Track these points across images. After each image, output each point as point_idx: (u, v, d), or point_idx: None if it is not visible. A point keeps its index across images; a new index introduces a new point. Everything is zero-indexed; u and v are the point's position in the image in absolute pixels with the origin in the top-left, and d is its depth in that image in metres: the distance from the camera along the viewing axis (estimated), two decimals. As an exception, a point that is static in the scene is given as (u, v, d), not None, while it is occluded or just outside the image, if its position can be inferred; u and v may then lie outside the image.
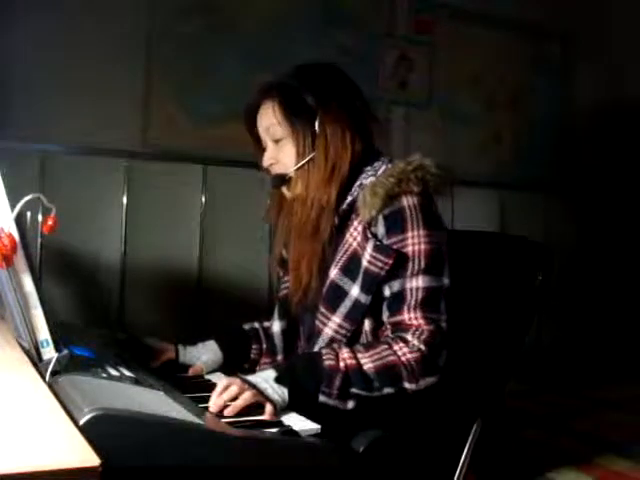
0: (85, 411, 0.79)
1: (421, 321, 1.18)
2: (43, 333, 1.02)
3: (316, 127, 1.31)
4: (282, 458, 0.95)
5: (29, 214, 1.09)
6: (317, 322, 1.30)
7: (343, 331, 1.25)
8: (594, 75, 3.49)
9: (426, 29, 3.08)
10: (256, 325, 1.53)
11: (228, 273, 2.60)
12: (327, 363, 1.15)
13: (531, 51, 3.38)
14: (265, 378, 1.15)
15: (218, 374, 1.42)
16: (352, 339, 1.25)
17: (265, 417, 1.08)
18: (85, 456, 0.67)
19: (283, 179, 1.35)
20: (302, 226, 1.33)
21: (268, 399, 1.11)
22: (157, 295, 2.46)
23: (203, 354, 1.44)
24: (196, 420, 0.93)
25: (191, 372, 1.41)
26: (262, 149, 1.39)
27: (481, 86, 3.22)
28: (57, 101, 2.27)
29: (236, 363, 1.45)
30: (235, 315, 1.61)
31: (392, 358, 1.16)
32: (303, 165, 1.32)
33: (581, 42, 3.46)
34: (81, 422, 0.78)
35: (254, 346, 1.49)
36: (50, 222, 1.08)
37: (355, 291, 1.25)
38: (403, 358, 1.15)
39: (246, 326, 1.53)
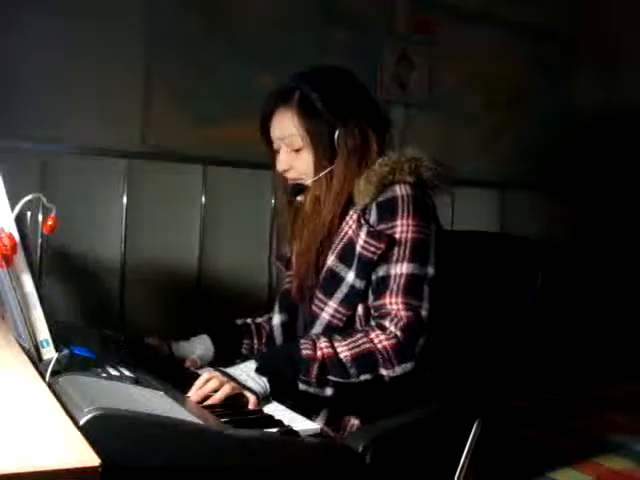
0: (85, 411, 0.79)
1: (400, 306, 1.21)
2: (43, 333, 1.02)
3: (335, 138, 1.32)
4: (282, 458, 0.95)
5: (29, 214, 1.09)
6: (314, 307, 1.33)
7: (339, 315, 1.28)
8: (594, 76, 3.48)
9: (426, 29, 3.07)
10: (248, 321, 1.56)
11: (228, 273, 2.60)
12: (305, 352, 1.18)
13: (531, 51, 3.37)
14: (245, 370, 1.18)
15: (207, 369, 1.42)
16: (348, 323, 1.28)
17: (250, 407, 1.13)
18: (85, 456, 0.67)
19: (300, 188, 1.36)
20: (316, 226, 1.35)
21: (249, 390, 1.14)
22: (157, 295, 2.46)
23: (197, 348, 1.47)
24: (196, 420, 0.93)
25: (188, 363, 1.43)
26: (274, 151, 1.40)
27: (481, 86, 3.22)
28: (57, 101, 2.27)
29: (227, 358, 1.46)
30: (235, 315, 1.61)
31: (368, 345, 1.19)
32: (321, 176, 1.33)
33: (581, 43, 3.46)
34: (81, 422, 0.78)
35: (245, 342, 1.52)
36: (50, 222, 1.08)
37: (350, 277, 1.28)
38: (379, 345, 1.18)
39: (239, 321, 1.56)
